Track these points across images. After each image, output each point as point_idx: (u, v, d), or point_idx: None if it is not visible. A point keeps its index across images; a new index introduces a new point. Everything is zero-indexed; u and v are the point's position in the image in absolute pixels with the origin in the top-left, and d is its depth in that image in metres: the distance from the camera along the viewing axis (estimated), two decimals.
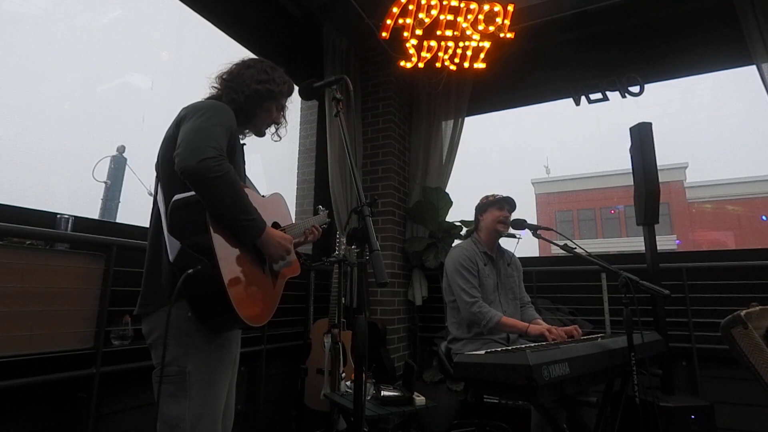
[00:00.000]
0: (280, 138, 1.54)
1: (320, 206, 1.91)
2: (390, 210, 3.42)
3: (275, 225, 1.41)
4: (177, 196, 1.16)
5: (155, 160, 1.31)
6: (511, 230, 2.31)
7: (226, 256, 1.14)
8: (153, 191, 1.31)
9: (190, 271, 1.08)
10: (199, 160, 1.08)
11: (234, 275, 1.14)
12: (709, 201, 21.20)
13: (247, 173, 1.50)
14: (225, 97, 1.37)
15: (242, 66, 1.41)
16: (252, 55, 1.53)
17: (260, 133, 1.49)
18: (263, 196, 1.45)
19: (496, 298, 2.26)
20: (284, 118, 1.52)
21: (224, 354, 1.24)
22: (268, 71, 1.42)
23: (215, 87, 1.41)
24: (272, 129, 1.52)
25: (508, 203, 2.31)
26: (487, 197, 2.36)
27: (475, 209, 2.39)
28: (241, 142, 1.45)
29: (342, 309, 2.65)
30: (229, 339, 1.27)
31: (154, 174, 1.31)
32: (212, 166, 1.08)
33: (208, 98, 1.40)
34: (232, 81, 1.38)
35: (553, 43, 3.50)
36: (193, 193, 1.14)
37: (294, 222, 1.55)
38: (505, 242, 2.44)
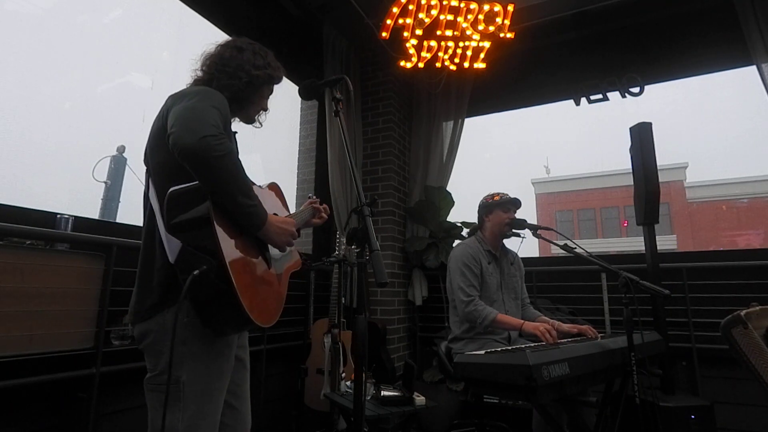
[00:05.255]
0: (261, 125, 1.44)
1: (310, 194, 1.86)
2: (390, 210, 3.42)
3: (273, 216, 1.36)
4: (173, 188, 1.05)
5: (143, 155, 1.23)
6: (515, 230, 2.31)
7: (232, 252, 1.05)
8: (144, 188, 1.22)
9: (196, 272, 0.98)
10: (199, 137, 0.99)
11: (242, 273, 1.06)
12: (711, 201, 21.20)
13: (246, 173, 1.48)
14: (217, 82, 1.26)
15: (233, 49, 1.30)
16: None
17: (250, 120, 1.39)
18: (260, 186, 1.37)
19: (500, 297, 2.26)
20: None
21: (223, 362, 1.16)
22: (263, 55, 1.33)
23: (202, 70, 1.30)
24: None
25: (514, 205, 2.31)
26: (492, 197, 2.34)
27: (480, 208, 2.38)
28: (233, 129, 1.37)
29: (342, 309, 2.65)
30: (229, 345, 1.19)
31: (144, 169, 1.22)
32: (214, 145, 0.99)
33: (193, 84, 1.30)
34: (226, 65, 1.27)
35: (553, 43, 3.50)
36: (190, 184, 1.05)
37: (293, 212, 1.49)
38: (508, 242, 2.43)
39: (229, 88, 1.25)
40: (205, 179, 1.03)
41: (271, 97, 1.43)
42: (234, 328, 1.16)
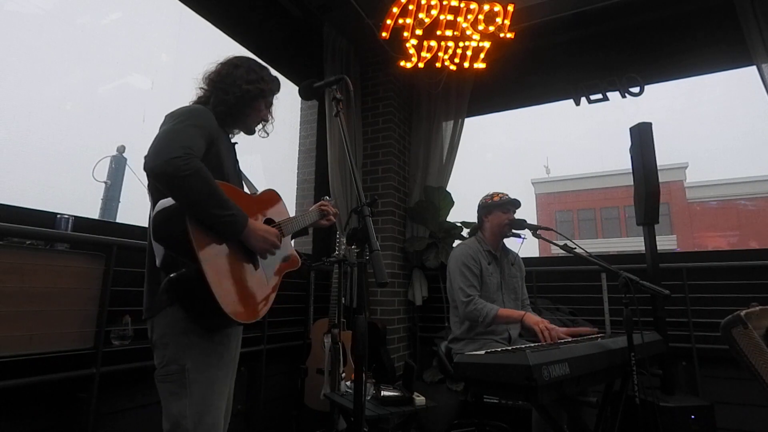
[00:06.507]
0: (267, 134, 1.55)
1: (326, 196, 1.87)
2: (390, 210, 3.42)
3: (269, 221, 1.40)
4: (160, 202, 1.16)
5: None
6: (515, 230, 2.31)
7: (211, 255, 1.14)
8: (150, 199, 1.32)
9: (173, 275, 1.10)
10: (165, 160, 1.07)
11: (219, 274, 1.15)
12: (710, 200, 21.22)
13: (247, 174, 1.50)
14: (214, 98, 1.37)
15: (230, 66, 1.41)
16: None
17: (250, 131, 1.49)
18: (255, 192, 1.46)
19: (500, 297, 2.26)
20: (271, 115, 1.53)
21: (223, 351, 1.25)
22: (256, 70, 1.42)
23: (203, 88, 1.41)
24: (259, 126, 1.52)
25: (513, 205, 2.31)
26: (491, 197, 2.34)
27: (479, 208, 2.38)
28: (232, 140, 1.47)
29: (342, 309, 2.65)
30: (228, 336, 1.28)
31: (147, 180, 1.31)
32: (179, 165, 1.07)
33: (196, 101, 1.41)
34: (221, 82, 1.38)
35: (553, 43, 3.50)
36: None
37: (292, 216, 1.53)
38: (509, 242, 2.43)
39: (223, 102, 1.36)
40: (176, 197, 1.12)
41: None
42: (218, 323, 1.23)
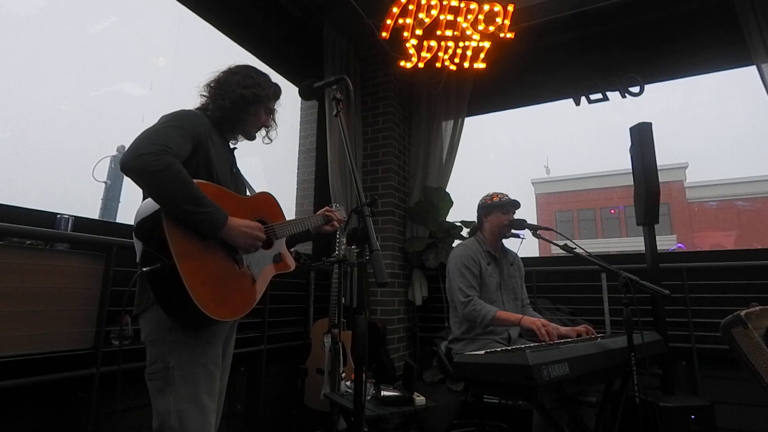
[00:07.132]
0: (271, 140, 1.57)
1: (336, 203, 1.89)
2: (390, 210, 3.42)
3: (260, 222, 1.39)
4: (145, 200, 1.20)
5: None
6: (515, 230, 2.31)
7: (187, 253, 1.14)
8: None
9: (146, 269, 1.11)
10: (136, 156, 1.10)
11: (196, 272, 1.15)
12: (710, 200, 21.23)
13: (247, 175, 1.51)
14: (212, 104, 1.41)
15: (228, 73, 1.45)
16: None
17: (250, 137, 1.51)
18: (248, 194, 1.48)
19: (499, 297, 2.26)
20: (274, 121, 1.54)
21: (208, 349, 1.25)
22: (253, 76, 1.45)
23: (203, 95, 1.45)
24: (263, 132, 1.54)
25: (513, 206, 2.30)
26: (491, 197, 2.34)
27: (479, 208, 2.38)
28: (233, 145, 1.49)
29: (342, 309, 2.65)
30: (215, 336, 1.28)
31: None
32: (150, 161, 1.09)
33: (198, 108, 1.45)
34: (219, 88, 1.42)
35: (553, 43, 3.50)
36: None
37: (289, 220, 1.53)
38: (508, 242, 2.43)
39: (220, 108, 1.40)
40: (147, 192, 1.16)
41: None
42: (195, 321, 1.22)
